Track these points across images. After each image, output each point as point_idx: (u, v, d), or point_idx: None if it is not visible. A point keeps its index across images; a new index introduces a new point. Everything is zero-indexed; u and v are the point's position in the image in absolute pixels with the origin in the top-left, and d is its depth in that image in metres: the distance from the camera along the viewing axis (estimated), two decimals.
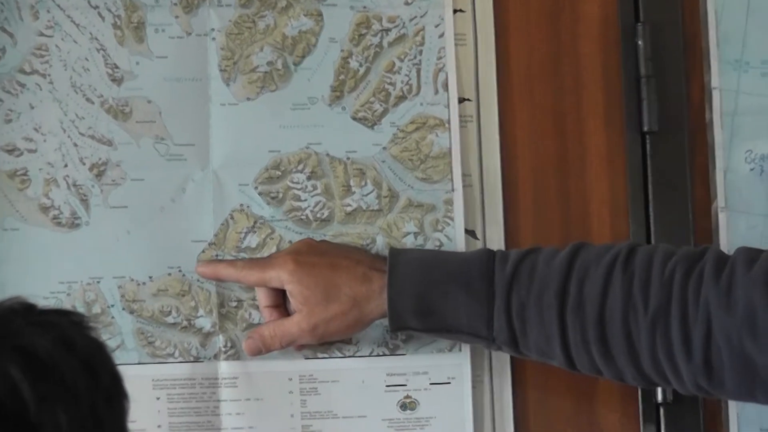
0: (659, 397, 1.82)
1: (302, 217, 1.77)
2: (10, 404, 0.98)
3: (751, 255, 1.66)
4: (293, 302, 1.70)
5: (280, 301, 1.75)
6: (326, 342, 1.77)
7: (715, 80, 1.92)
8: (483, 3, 1.84)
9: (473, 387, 1.79)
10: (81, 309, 1.72)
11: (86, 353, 1.07)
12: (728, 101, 1.93)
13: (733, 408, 1.87)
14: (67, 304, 1.71)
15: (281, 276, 1.69)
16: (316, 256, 1.74)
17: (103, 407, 1.05)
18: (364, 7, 1.80)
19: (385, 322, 1.74)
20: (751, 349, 1.64)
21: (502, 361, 1.80)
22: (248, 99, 1.79)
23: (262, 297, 1.73)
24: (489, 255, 1.74)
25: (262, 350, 1.72)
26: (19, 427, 0.98)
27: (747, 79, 1.94)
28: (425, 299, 1.73)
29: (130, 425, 1.07)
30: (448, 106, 1.82)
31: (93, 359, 1.08)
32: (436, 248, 1.82)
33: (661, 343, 1.68)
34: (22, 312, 1.07)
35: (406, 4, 1.80)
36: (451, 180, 1.82)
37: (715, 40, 1.93)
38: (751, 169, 1.93)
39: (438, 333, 1.77)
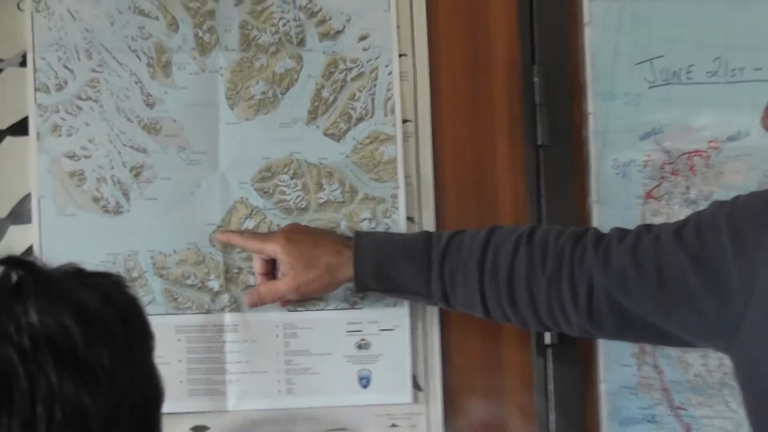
0: (547, 340, 2.27)
1: (286, 206, 2.23)
2: (65, 345, 1.26)
3: (621, 232, 2.09)
4: (282, 268, 2.17)
5: (270, 270, 2.21)
6: (305, 299, 2.22)
7: (590, 107, 2.36)
8: (420, 49, 2.29)
9: (411, 332, 2.24)
10: (123, 274, 2.13)
11: (123, 306, 1.36)
12: (600, 123, 2.37)
13: (601, 347, 2.33)
14: (112, 270, 2.05)
15: (275, 248, 2.16)
16: (301, 234, 2.20)
17: (135, 346, 1.34)
18: (333, 52, 2.25)
19: (351, 285, 2.19)
20: (623, 300, 2.06)
21: (432, 313, 2.26)
22: (247, 119, 2.24)
23: (258, 265, 2.19)
24: (427, 235, 2.19)
25: (258, 303, 2.19)
26: (71, 361, 1.25)
27: (613, 107, 2.38)
28: (381, 268, 2.18)
29: (158, 360, 1.39)
30: (394, 126, 2.27)
31: (128, 310, 1.37)
32: (387, 230, 2.27)
33: (555, 298, 2.11)
34: (75, 274, 1.37)
35: (364, 50, 2.26)
36: (396, 180, 2.27)
37: (591, 78, 2.37)
38: (616, 173, 2.38)
39: (391, 293, 2.22)
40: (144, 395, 1.34)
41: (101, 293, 1.34)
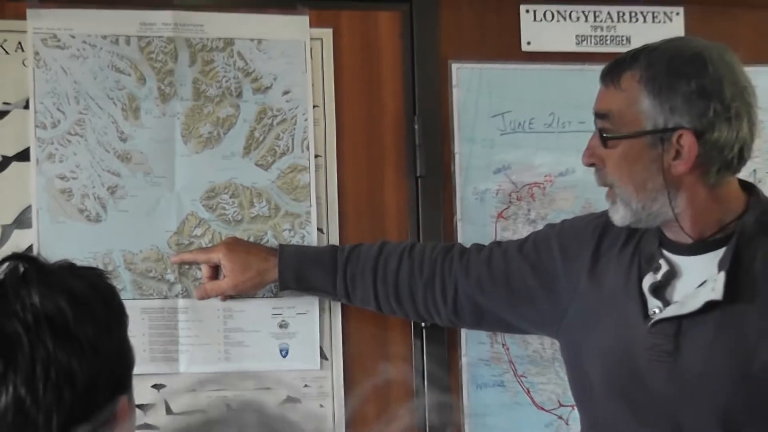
0: (423, 325, 2.66)
1: (226, 219, 2.62)
2: (59, 322, 1.40)
3: (479, 247, 2.51)
4: (224, 271, 2.54)
5: (215, 275, 2.58)
6: (240, 294, 2.59)
7: (457, 148, 2.75)
8: (329, 102, 2.68)
9: (320, 315, 2.64)
10: (101, 268, 2.20)
11: (104, 292, 1.50)
12: (464, 160, 2.75)
13: (463, 332, 2.71)
14: (94, 265, 2.27)
15: (218, 255, 2.54)
16: (238, 245, 2.57)
17: (113, 324, 1.48)
18: (263, 103, 2.63)
19: (276, 284, 2.57)
20: (479, 299, 2.47)
21: (336, 304, 2.64)
22: (197, 152, 2.61)
23: (205, 270, 2.57)
24: (333, 248, 2.59)
25: (205, 297, 2.57)
26: (64, 335, 1.39)
27: (474, 148, 2.75)
28: (299, 272, 2.55)
29: (129, 336, 1.51)
30: (309, 159, 2.65)
31: (108, 296, 1.50)
32: (302, 241, 2.63)
33: (430, 297, 2.51)
34: (67, 267, 1.50)
35: (287, 101, 2.64)
36: (310, 200, 2.65)
37: (458, 126, 2.75)
38: (475, 199, 2.75)
39: (306, 291, 2.60)
40: (119, 362, 1.47)
41: (88, 282, 1.48)
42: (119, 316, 1.51)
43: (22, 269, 1.44)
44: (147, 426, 2.48)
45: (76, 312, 1.42)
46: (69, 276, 1.47)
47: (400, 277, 2.52)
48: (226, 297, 2.61)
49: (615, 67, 2.16)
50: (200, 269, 2.60)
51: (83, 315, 1.42)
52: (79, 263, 1.54)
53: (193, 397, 2.39)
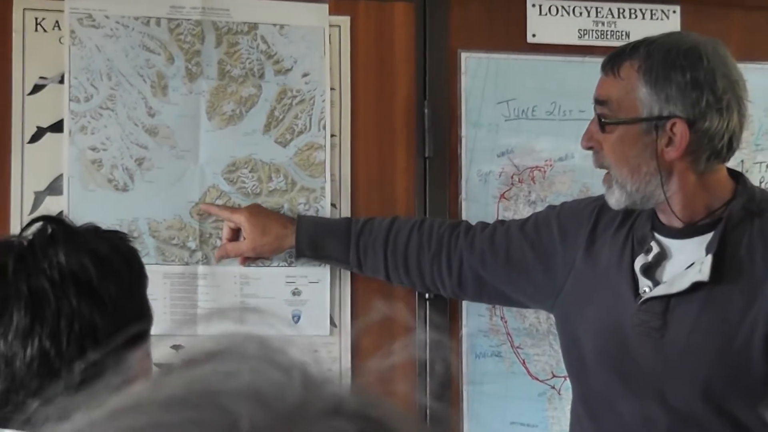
0: (426, 296, 2.69)
1: (245, 192, 2.64)
2: (83, 279, 1.44)
3: (483, 225, 2.56)
4: (244, 233, 2.58)
5: (234, 237, 2.62)
6: (258, 258, 2.63)
7: (463, 132, 2.77)
8: (345, 85, 2.71)
9: (331, 285, 2.67)
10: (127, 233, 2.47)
11: (126, 254, 1.54)
12: (469, 144, 2.77)
13: (464, 304, 2.74)
14: (119, 230, 2.25)
15: (240, 218, 2.58)
16: (259, 211, 2.60)
17: (134, 283, 1.53)
18: (284, 84, 2.67)
19: (292, 251, 2.61)
20: (481, 273, 2.51)
21: (346, 273, 2.68)
22: (220, 129, 2.65)
23: (226, 231, 2.61)
24: (348, 220, 2.63)
25: (225, 257, 2.61)
26: (87, 291, 1.43)
27: (479, 133, 2.78)
28: (314, 241, 2.60)
29: (150, 297, 1.56)
30: (325, 138, 2.69)
31: (130, 257, 1.54)
32: (316, 215, 2.65)
33: (437, 270, 2.55)
34: (92, 230, 1.53)
35: (306, 83, 2.68)
36: (325, 177, 2.69)
37: (465, 111, 2.77)
38: (479, 180, 2.78)
39: (320, 259, 2.65)
40: (139, 318, 1.50)
41: (111, 243, 1.51)
42: (140, 276, 1.54)
43: (50, 230, 1.47)
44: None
45: (99, 270, 1.44)
46: (94, 237, 1.50)
47: (410, 250, 2.56)
48: (245, 260, 2.64)
49: (616, 57, 2.20)
50: (220, 238, 2.64)
51: (106, 273, 1.45)
52: (104, 228, 1.58)
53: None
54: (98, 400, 0.59)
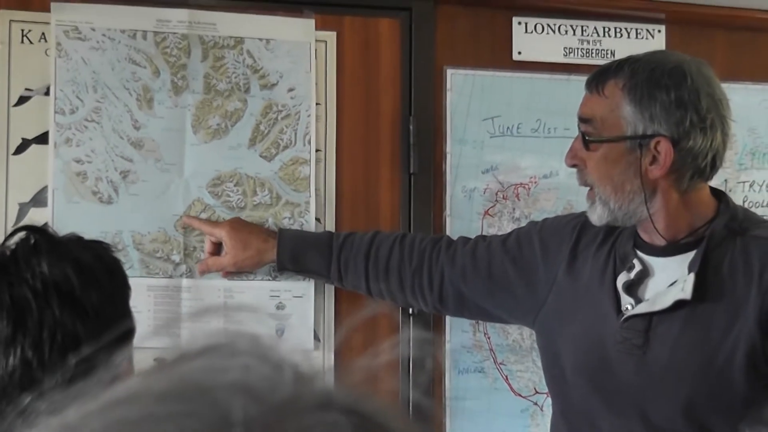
0: (410, 311, 2.67)
1: (230, 205, 2.63)
2: (66, 288, 1.43)
3: (465, 240, 2.54)
4: (226, 248, 2.57)
5: (217, 251, 2.61)
6: (240, 272, 2.62)
7: (448, 149, 2.78)
8: (331, 100, 2.70)
9: (315, 299, 2.65)
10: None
11: (109, 263, 1.54)
12: (454, 160, 2.78)
13: (447, 318, 2.74)
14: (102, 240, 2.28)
15: (222, 232, 2.57)
16: (241, 225, 2.60)
17: (116, 292, 1.52)
18: (269, 99, 2.66)
19: (274, 265, 2.59)
20: (462, 288, 2.50)
21: (330, 287, 2.66)
22: (205, 142, 2.63)
23: (208, 246, 2.60)
24: (330, 234, 2.62)
25: (206, 271, 2.60)
26: (70, 301, 1.42)
27: (464, 149, 2.78)
28: (296, 255, 2.58)
29: (134, 309, 1.55)
30: (310, 153, 2.68)
31: (113, 267, 1.54)
32: (302, 229, 2.64)
33: (417, 284, 2.54)
34: (76, 240, 1.53)
35: (291, 98, 2.67)
36: (309, 191, 2.67)
37: (450, 128, 2.78)
38: (464, 196, 2.78)
39: (301, 273, 2.63)
40: (121, 328, 1.46)
41: (94, 253, 1.51)
42: (122, 286, 1.54)
43: (32, 240, 1.46)
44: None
45: (82, 280, 1.44)
46: (76, 247, 1.50)
47: (391, 264, 2.55)
48: (227, 273, 2.63)
49: (600, 75, 2.21)
50: (204, 251, 2.62)
51: (89, 283, 1.44)
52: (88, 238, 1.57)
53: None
54: (90, 394, 0.60)
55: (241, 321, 0.67)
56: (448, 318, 2.75)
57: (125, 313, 1.52)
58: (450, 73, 2.81)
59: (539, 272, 2.41)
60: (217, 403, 0.55)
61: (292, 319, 2.66)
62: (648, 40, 2.93)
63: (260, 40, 2.69)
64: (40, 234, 1.48)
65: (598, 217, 2.22)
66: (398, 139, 2.77)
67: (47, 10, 2.60)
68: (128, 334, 1.49)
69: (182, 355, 0.60)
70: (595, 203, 2.21)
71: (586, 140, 2.20)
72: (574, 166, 2.25)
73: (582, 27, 2.90)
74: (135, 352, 1.41)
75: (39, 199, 2.57)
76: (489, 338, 2.79)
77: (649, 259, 2.23)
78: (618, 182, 2.17)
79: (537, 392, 2.79)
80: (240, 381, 0.57)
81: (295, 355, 0.61)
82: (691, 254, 2.18)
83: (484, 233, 2.76)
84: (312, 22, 2.72)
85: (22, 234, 1.49)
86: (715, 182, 2.32)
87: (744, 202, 2.93)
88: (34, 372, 1.38)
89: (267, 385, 0.56)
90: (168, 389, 0.57)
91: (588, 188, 2.25)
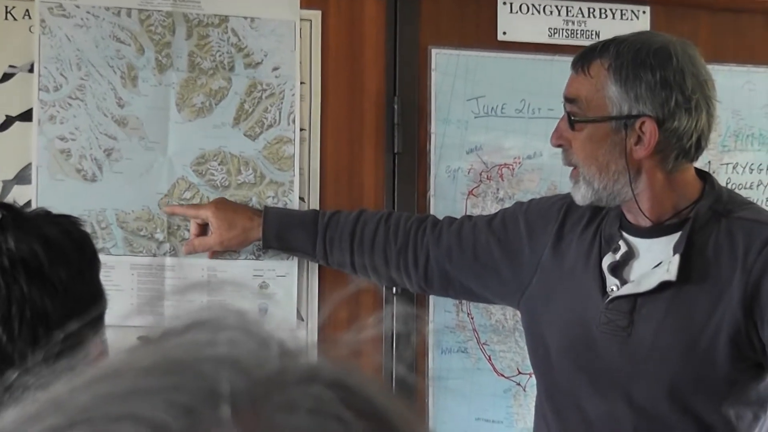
0: (394, 290, 2.69)
1: (214, 184, 2.63)
2: (34, 264, 1.39)
3: (451, 220, 2.54)
4: (211, 228, 2.56)
5: (203, 232, 2.60)
6: (226, 251, 2.62)
7: (432, 128, 2.78)
8: (315, 79, 2.70)
9: (298, 278, 2.66)
10: (95, 227, 2.51)
11: (78, 237, 1.48)
12: (438, 140, 2.78)
13: (431, 298, 2.75)
14: (87, 223, 2.31)
15: (207, 213, 2.56)
16: (225, 204, 2.59)
17: (85, 267, 1.46)
18: (254, 77, 2.65)
19: (259, 243, 2.60)
20: (448, 267, 2.51)
21: (313, 266, 2.67)
22: (190, 121, 2.62)
23: (193, 228, 2.59)
24: (315, 212, 2.62)
25: (192, 251, 2.60)
26: (38, 277, 1.39)
27: (449, 129, 2.79)
28: (281, 233, 2.58)
29: (117, 287, 1.71)
30: (294, 132, 2.68)
31: (81, 241, 1.48)
32: (285, 207, 2.65)
33: (403, 263, 2.54)
34: (43, 215, 1.48)
35: (276, 77, 2.66)
36: (293, 170, 2.67)
37: (434, 107, 2.77)
38: (448, 176, 2.79)
39: (287, 251, 2.63)
40: (91, 304, 1.43)
41: (61, 228, 1.46)
42: (92, 261, 1.51)
43: (0, 216, 1.44)
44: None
45: (49, 256, 1.42)
46: (44, 222, 1.47)
47: (376, 243, 2.56)
48: (213, 253, 2.63)
49: (586, 56, 2.20)
50: (188, 230, 2.62)
51: (56, 258, 1.42)
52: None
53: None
54: (77, 370, 0.59)
55: (226, 297, 0.67)
56: (431, 298, 2.76)
57: (95, 288, 1.49)
58: (435, 52, 2.80)
59: (525, 253, 2.41)
60: (204, 377, 0.55)
61: (276, 298, 2.67)
62: (633, 21, 2.92)
63: (245, 18, 2.68)
64: (6, 210, 1.45)
65: (582, 196, 2.22)
66: (383, 118, 2.77)
67: None
68: (99, 312, 1.47)
69: (168, 331, 0.60)
70: (579, 183, 2.21)
71: (572, 120, 2.19)
72: (559, 146, 2.25)
73: (567, 8, 2.90)
74: (118, 331, 1.39)
75: (23, 177, 2.56)
76: (472, 318, 2.79)
77: (635, 241, 2.23)
78: (603, 162, 2.17)
79: (520, 372, 2.80)
80: (227, 355, 0.57)
81: (281, 331, 0.61)
82: (676, 236, 2.18)
83: (468, 213, 2.76)
84: (297, 0, 2.71)
85: None
86: (699, 164, 2.31)
87: (727, 183, 2.92)
88: (3, 348, 1.36)
89: (254, 359, 0.57)
90: (155, 363, 0.57)
91: (572, 168, 2.25)
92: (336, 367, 0.59)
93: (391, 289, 2.71)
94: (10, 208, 1.46)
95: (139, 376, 0.56)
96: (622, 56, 2.14)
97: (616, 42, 2.18)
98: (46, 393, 0.59)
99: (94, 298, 1.46)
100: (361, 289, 2.67)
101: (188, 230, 2.63)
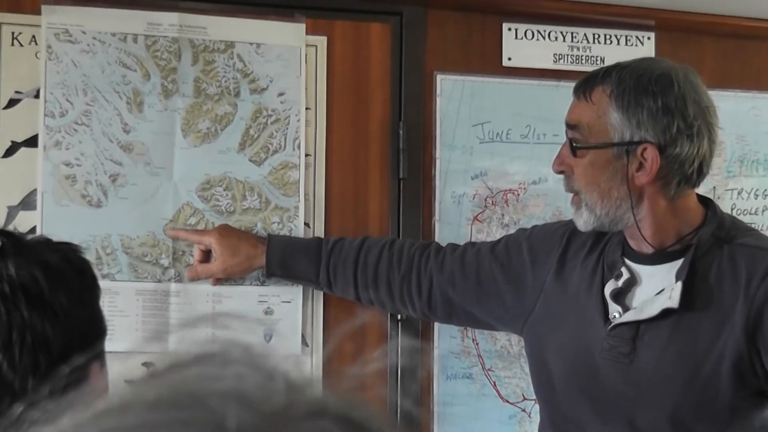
0: (399, 317, 2.68)
1: (219, 210, 2.62)
2: (34, 291, 1.38)
3: (454, 246, 2.54)
4: (215, 254, 2.56)
5: (206, 258, 2.60)
6: (229, 278, 2.61)
7: (438, 154, 2.78)
8: (321, 105, 2.69)
9: (303, 305, 2.64)
10: (100, 252, 2.50)
11: (77, 264, 1.47)
12: (444, 165, 2.78)
13: (436, 326, 2.75)
14: (92, 248, 2.47)
15: (211, 239, 2.56)
16: (229, 232, 2.59)
17: (85, 294, 1.46)
18: (259, 103, 2.65)
19: (263, 271, 2.59)
20: (451, 294, 2.50)
21: (318, 293, 2.66)
22: (195, 146, 2.62)
23: (197, 254, 2.59)
24: (319, 240, 2.62)
25: (195, 278, 2.59)
26: (39, 302, 1.38)
27: (454, 155, 2.79)
28: (285, 261, 2.58)
29: (121, 313, 1.69)
30: (299, 158, 2.67)
31: (81, 267, 1.48)
32: (290, 234, 2.64)
33: (406, 290, 2.53)
34: (44, 242, 1.48)
35: (281, 102, 2.65)
36: (298, 196, 2.66)
37: (439, 133, 2.78)
38: (453, 202, 2.79)
39: (291, 279, 2.62)
40: (91, 330, 1.45)
41: (62, 255, 1.46)
42: (91, 287, 1.50)
43: (0, 243, 1.43)
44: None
45: (50, 282, 1.41)
46: (44, 249, 1.46)
47: (380, 270, 2.55)
48: (216, 280, 2.62)
49: (588, 82, 2.20)
50: (193, 256, 2.61)
51: (57, 284, 1.41)
52: (80, 245, 1.55)
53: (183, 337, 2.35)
54: (83, 403, 0.60)
55: (231, 328, 0.68)
56: (436, 324, 2.75)
57: (95, 315, 1.49)
58: (440, 78, 2.80)
59: (528, 279, 2.40)
60: (212, 411, 0.56)
61: (281, 324, 2.65)
62: (637, 46, 2.93)
63: (251, 44, 2.68)
64: (6, 237, 1.44)
65: (584, 222, 2.22)
66: (388, 144, 2.77)
67: (38, 12, 2.59)
68: (98, 339, 1.47)
69: (174, 364, 0.61)
70: (581, 209, 2.21)
71: (573, 147, 2.19)
72: (561, 172, 2.25)
73: (572, 33, 2.90)
74: (125, 357, 1.51)
75: (28, 203, 2.56)
76: (477, 344, 2.79)
77: (637, 267, 2.22)
78: (605, 189, 2.16)
79: (525, 398, 2.79)
80: (233, 389, 0.58)
81: (287, 364, 0.62)
82: (678, 262, 2.17)
83: (472, 239, 2.76)
84: (303, 26, 2.71)
85: None
86: (704, 189, 2.31)
87: (732, 209, 2.93)
88: (4, 375, 1.35)
89: (260, 393, 0.57)
90: (161, 397, 0.58)
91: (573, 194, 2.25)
92: (342, 401, 0.60)
93: (396, 316, 2.69)
94: (10, 235, 1.46)
95: (146, 410, 0.57)
96: (624, 83, 2.14)
97: (618, 68, 2.17)
98: (52, 428, 0.60)
99: (95, 324, 1.47)
100: (366, 321, 2.65)
101: (193, 256, 2.62)
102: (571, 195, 2.27)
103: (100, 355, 1.44)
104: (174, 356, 0.61)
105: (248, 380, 0.58)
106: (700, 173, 2.17)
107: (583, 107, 2.19)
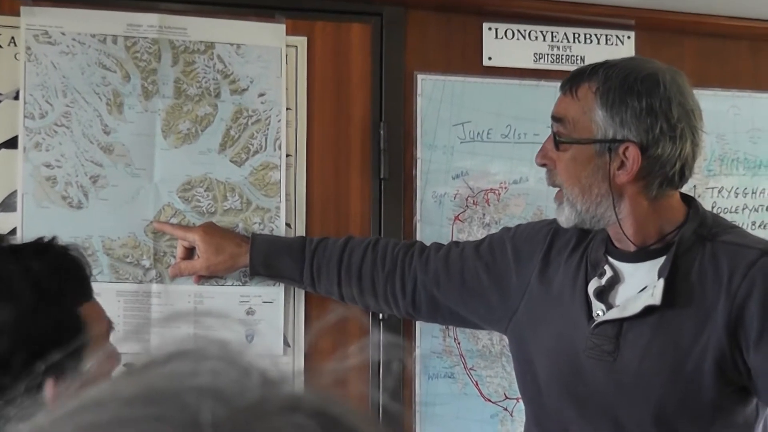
0: (380, 316, 2.68)
1: (200, 211, 2.62)
2: (29, 295, 1.46)
3: (438, 245, 2.54)
4: (198, 252, 2.55)
5: (189, 255, 2.59)
6: (212, 276, 2.60)
7: (419, 154, 2.78)
8: (301, 106, 2.69)
9: (284, 305, 2.64)
10: (81, 251, 2.39)
11: (38, 272, 1.51)
12: (425, 165, 2.78)
13: (418, 326, 2.75)
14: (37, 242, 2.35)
15: (195, 236, 2.56)
16: (213, 229, 2.59)
17: (41, 303, 1.49)
18: (240, 104, 2.64)
19: (246, 269, 2.58)
20: (435, 294, 2.50)
21: (300, 292, 2.65)
22: (176, 147, 2.61)
23: (180, 251, 2.58)
24: (302, 239, 2.61)
25: (178, 275, 2.58)
26: (38, 293, 1.46)
27: (435, 155, 2.79)
28: (268, 259, 2.57)
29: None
30: (280, 158, 2.67)
31: (40, 278, 1.51)
32: (271, 233, 2.64)
33: (390, 289, 2.54)
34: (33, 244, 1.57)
35: (262, 103, 2.65)
36: (280, 196, 2.66)
37: (420, 133, 2.78)
38: (434, 201, 2.79)
39: (274, 278, 2.61)
40: (41, 344, 1.43)
41: (21, 266, 1.48)
42: (84, 287, 1.55)
43: None
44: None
45: (47, 282, 1.45)
46: (31, 254, 1.49)
47: (364, 269, 2.55)
48: (199, 278, 2.62)
49: (575, 78, 2.20)
50: (174, 257, 2.61)
51: (2, 299, 1.42)
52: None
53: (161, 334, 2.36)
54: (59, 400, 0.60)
55: (211, 327, 0.68)
56: (418, 323, 2.75)
57: (60, 322, 1.49)
58: (420, 78, 2.80)
59: (512, 279, 2.40)
60: (186, 407, 0.56)
61: (262, 325, 2.64)
62: (617, 46, 2.93)
63: (231, 44, 2.68)
64: None
65: (565, 218, 2.22)
66: (369, 144, 2.77)
67: (17, 13, 2.58)
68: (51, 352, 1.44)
69: (151, 361, 0.61)
70: (563, 204, 2.21)
71: (557, 140, 2.19)
72: (543, 165, 2.25)
73: (552, 33, 2.90)
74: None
75: (8, 204, 2.54)
76: (459, 344, 2.78)
77: (620, 265, 2.23)
78: (585, 184, 2.17)
79: (507, 398, 2.79)
80: (208, 385, 0.57)
81: (263, 360, 0.61)
82: (660, 260, 2.17)
83: (454, 238, 2.76)
84: (283, 27, 2.71)
85: None
86: (685, 188, 2.30)
87: (713, 207, 2.93)
88: None
89: (235, 388, 0.57)
90: (137, 393, 0.58)
91: (557, 189, 2.25)
92: (318, 397, 0.59)
93: (377, 315, 2.69)
94: None
95: (122, 406, 0.57)
96: (610, 81, 2.14)
97: (606, 66, 2.18)
98: (29, 424, 0.59)
99: (46, 337, 1.45)
100: (347, 317, 2.65)
101: (174, 257, 2.61)
102: (553, 194, 2.27)
103: (56, 370, 1.41)
104: (151, 353, 0.61)
105: (224, 376, 0.58)
106: (682, 176, 2.18)
107: (569, 102, 2.19)
